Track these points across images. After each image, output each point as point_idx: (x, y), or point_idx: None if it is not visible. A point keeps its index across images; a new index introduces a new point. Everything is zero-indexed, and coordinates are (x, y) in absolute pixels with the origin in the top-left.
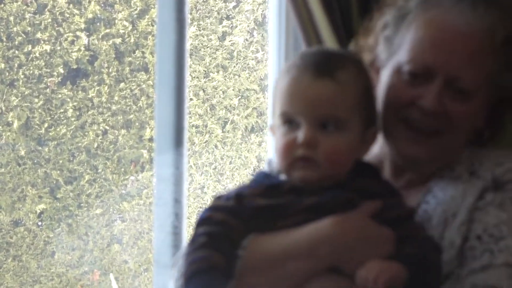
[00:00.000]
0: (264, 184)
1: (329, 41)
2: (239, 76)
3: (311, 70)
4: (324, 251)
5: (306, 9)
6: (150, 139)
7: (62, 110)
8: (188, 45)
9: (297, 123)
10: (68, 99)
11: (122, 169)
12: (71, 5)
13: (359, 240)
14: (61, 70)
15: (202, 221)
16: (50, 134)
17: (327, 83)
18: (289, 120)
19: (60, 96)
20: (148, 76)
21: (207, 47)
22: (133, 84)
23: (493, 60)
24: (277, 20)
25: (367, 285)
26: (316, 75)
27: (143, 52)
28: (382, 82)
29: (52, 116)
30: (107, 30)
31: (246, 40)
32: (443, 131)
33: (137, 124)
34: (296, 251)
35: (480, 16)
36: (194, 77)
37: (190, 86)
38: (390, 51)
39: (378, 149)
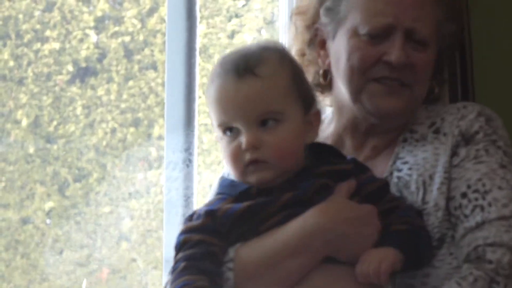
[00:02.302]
0: (232, 195)
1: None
2: None
3: (232, 74)
4: (318, 242)
5: None
6: (159, 137)
7: (71, 108)
8: (198, 43)
9: (237, 128)
10: (77, 97)
11: (131, 167)
12: (80, 3)
13: (348, 224)
14: (70, 68)
15: (180, 246)
16: (59, 132)
17: (251, 82)
18: (228, 128)
19: (69, 94)
20: (157, 74)
21: (216, 45)
22: (142, 82)
23: (439, 9)
24: (287, 18)
25: (369, 279)
26: (238, 77)
27: (152, 50)
28: (339, 50)
29: (61, 114)
30: (116, 28)
31: (255, 38)
32: (410, 84)
33: (146, 122)
34: (289, 248)
35: None
36: (203, 75)
37: (199, 84)
38: (337, 20)
39: (332, 127)
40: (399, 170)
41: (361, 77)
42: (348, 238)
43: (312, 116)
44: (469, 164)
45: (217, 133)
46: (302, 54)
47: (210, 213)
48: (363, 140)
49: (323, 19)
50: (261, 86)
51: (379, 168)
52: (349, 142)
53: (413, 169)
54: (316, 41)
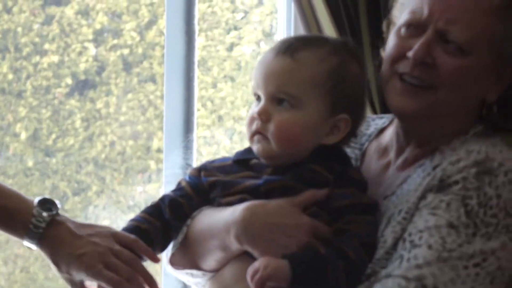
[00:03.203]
0: (231, 159)
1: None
2: (247, 87)
3: (275, 50)
4: (233, 233)
5: (315, 19)
6: (158, 150)
7: (70, 121)
8: (196, 56)
9: (261, 98)
10: (76, 110)
11: (130, 180)
12: (78, 16)
13: (269, 228)
14: (69, 81)
15: (177, 183)
16: (58, 145)
17: (285, 60)
18: (256, 95)
19: (68, 107)
20: (156, 87)
21: (215, 58)
22: (141, 95)
23: (494, 22)
24: (286, 31)
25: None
26: (277, 54)
27: (151, 63)
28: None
29: (60, 127)
30: (115, 41)
31: (254, 50)
32: (435, 86)
33: (145, 135)
34: (215, 229)
35: None
36: (201, 88)
37: (198, 97)
38: (401, 13)
39: (390, 132)
40: (395, 195)
41: (390, 69)
42: (261, 240)
43: (340, 121)
44: (425, 212)
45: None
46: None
47: (200, 169)
48: (402, 147)
49: (397, 14)
50: (290, 66)
51: (394, 184)
52: (394, 147)
53: (398, 198)
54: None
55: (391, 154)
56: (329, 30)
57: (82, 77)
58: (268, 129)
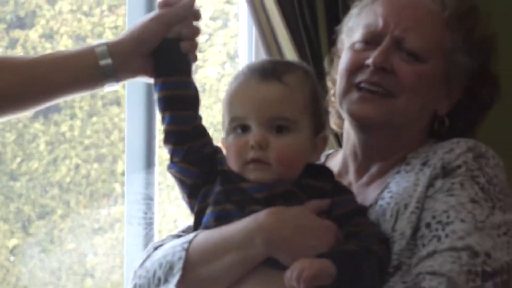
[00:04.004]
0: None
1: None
2: (211, 109)
3: (258, 74)
4: (258, 241)
5: (276, 43)
6: (123, 173)
7: (34, 145)
8: None
9: (248, 126)
10: (40, 134)
11: (95, 203)
12: (43, 39)
13: (295, 230)
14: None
15: None
16: (22, 168)
17: (274, 85)
18: (240, 125)
19: (32, 130)
20: (120, 109)
21: None
22: (106, 118)
23: (445, 33)
24: (248, 53)
25: (292, 284)
26: (263, 78)
27: None
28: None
29: (24, 150)
30: None
31: (219, 73)
32: (394, 94)
33: (109, 158)
34: (232, 242)
35: None
36: None
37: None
38: (350, 37)
39: (341, 152)
40: (383, 199)
41: (347, 81)
42: (291, 243)
43: (319, 139)
44: (441, 195)
45: (225, 131)
46: (332, 78)
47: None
48: (363, 166)
49: (344, 39)
50: (283, 91)
51: (370, 196)
52: (351, 167)
53: (392, 198)
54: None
55: (349, 176)
56: (290, 53)
57: None
58: (268, 156)
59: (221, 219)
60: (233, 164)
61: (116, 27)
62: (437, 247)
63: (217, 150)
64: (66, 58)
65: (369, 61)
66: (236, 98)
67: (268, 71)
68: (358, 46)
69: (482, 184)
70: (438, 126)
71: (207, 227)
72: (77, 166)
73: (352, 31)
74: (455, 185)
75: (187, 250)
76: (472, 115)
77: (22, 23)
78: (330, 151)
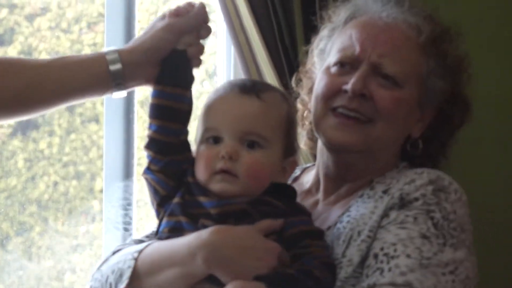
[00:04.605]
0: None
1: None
2: (190, 126)
3: (237, 88)
4: (199, 258)
5: (254, 61)
6: (101, 191)
7: (12, 162)
8: (138, 96)
9: (221, 138)
10: (19, 151)
11: (73, 221)
12: (22, 55)
13: (236, 250)
14: (12, 122)
15: None
16: (1, 186)
17: (252, 100)
18: (213, 136)
19: (10, 147)
20: (99, 127)
21: None
22: (84, 135)
23: (421, 58)
24: (226, 71)
25: None
26: (242, 92)
27: (94, 103)
28: (314, 87)
29: (3, 167)
30: None
31: (197, 90)
32: (372, 119)
33: (88, 175)
34: (176, 257)
35: (405, 12)
36: (145, 128)
37: (142, 136)
38: (323, 60)
39: (315, 170)
40: (341, 222)
41: (323, 106)
42: (231, 263)
43: (289, 162)
44: (393, 227)
45: (198, 141)
46: (302, 100)
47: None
48: (334, 187)
49: (315, 59)
50: (260, 107)
51: (333, 216)
52: (322, 186)
53: (349, 223)
54: (312, 88)
55: (318, 194)
56: (268, 72)
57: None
58: (237, 168)
59: (174, 231)
60: (201, 173)
61: (95, 44)
62: (377, 280)
63: (193, 163)
64: (77, 64)
65: (348, 87)
66: (213, 109)
67: (247, 87)
68: (334, 70)
69: (436, 219)
70: (411, 149)
71: (160, 238)
72: (56, 183)
73: (324, 53)
74: (409, 218)
75: (136, 259)
76: (444, 136)
77: (0, 40)
78: (308, 165)
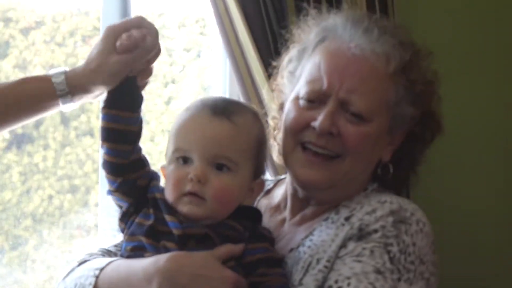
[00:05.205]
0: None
1: (271, 104)
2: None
3: (209, 110)
4: (155, 284)
5: (250, 75)
6: (96, 204)
7: (7, 175)
8: None
9: (190, 159)
10: (14, 164)
11: (68, 234)
12: (16, 69)
13: (191, 278)
14: (7, 135)
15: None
16: None
17: (223, 123)
18: (182, 157)
19: (5, 161)
20: (93, 140)
21: (153, 111)
22: (79, 149)
23: (390, 87)
24: (222, 85)
25: None
26: (213, 115)
27: (88, 117)
28: (284, 113)
29: None
30: None
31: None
32: (340, 155)
33: (82, 189)
34: (134, 280)
35: (373, 41)
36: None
37: None
38: (293, 84)
39: (283, 188)
40: (303, 246)
41: (292, 139)
42: None
43: (257, 184)
44: (349, 259)
45: (167, 160)
46: (273, 118)
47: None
48: (300, 206)
49: (285, 81)
50: (231, 131)
51: (296, 238)
52: (289, 204)
53: (310, 248)
54: (283, 106)
55: (286, 212)
56: (262, 84)
57: (20, 131)
58: (205, 191)
59: (136, 250)
60: (169, 193)
61: None
62: None
63: (153, 177)
64: (25, 89)
65: (316, 124)
66: (184, 130)
67: (219, 109)
68: (302, 103)
69: (393, 253)
70: (381, 172)
71: (121, 255)
72: (51, 197)
73: (294, 77)
74: (366, 251)
75: (97, 277)
76: (414, 154)
77: None
78: (282, 177)
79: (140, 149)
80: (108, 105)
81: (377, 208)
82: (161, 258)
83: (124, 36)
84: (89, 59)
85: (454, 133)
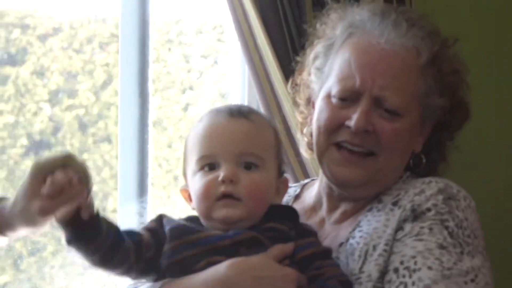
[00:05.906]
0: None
1: (291, 112)
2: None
3: (225, 113)
4: None
5: (269, 81)
6: (114, 210)
7: None
8: (151, 116)
9: (217, 164)
10: None
11: None
12: (34, 76)
13: (256, 282)
14: (24, 142)
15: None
16: None
17: (243, 122)
18: (207, 164)
19: (23, 167)
20: (111, 147)
21: (170, 118)
22: (97, 155)
23: (420, 80)
24: (241, 91)
25: None
26: (230, 116)
27: (106, 123)
28: (316, 111)
29: (15, 187)
30: (70, 101)
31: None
32: (375, 152)
33: (100, 195)
34: None
35: (402, 35)
36: (157, 148)
37: (153, 156)
38: (321, 80)
39: (316, 187)
40: (353, 238)
41: (326, 139)
42: None
43: (281, 182)
44: (409, 240)
45: (190, 173)
46: (301, 112)
47: (160, 217)
48: (337, 204)
49: (313, 77)
50: (250, 127)
51: (342, 234)
52: (325, 203)
53: (362, 238)
54: (310, 102)
55: (322, 212)
56: (283, 92)
57: (38, 138)
58: (239, 191)
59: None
60: (200, 203)
61: (107, 64)
62: None
63: (157, 232)
64: None
65: (351, 123)
66: (204, 137)
67: (234, 111)
68: (335, 101)
69: (451, 228)
70: (413, 163)
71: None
72: None
73: (323, 73)
74: (424, 229)
75: None
76: (444, 141)
77: (13, 60)
78: (306, 181)
79: (135, 246)
80: (69, 242)
81: (424, 188)
82: (220, 268)
83: (48, 181)
84: (15, 201)
85: (478, 122)
